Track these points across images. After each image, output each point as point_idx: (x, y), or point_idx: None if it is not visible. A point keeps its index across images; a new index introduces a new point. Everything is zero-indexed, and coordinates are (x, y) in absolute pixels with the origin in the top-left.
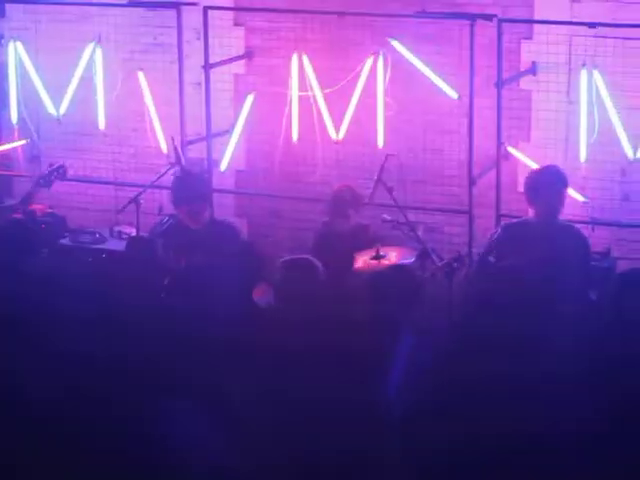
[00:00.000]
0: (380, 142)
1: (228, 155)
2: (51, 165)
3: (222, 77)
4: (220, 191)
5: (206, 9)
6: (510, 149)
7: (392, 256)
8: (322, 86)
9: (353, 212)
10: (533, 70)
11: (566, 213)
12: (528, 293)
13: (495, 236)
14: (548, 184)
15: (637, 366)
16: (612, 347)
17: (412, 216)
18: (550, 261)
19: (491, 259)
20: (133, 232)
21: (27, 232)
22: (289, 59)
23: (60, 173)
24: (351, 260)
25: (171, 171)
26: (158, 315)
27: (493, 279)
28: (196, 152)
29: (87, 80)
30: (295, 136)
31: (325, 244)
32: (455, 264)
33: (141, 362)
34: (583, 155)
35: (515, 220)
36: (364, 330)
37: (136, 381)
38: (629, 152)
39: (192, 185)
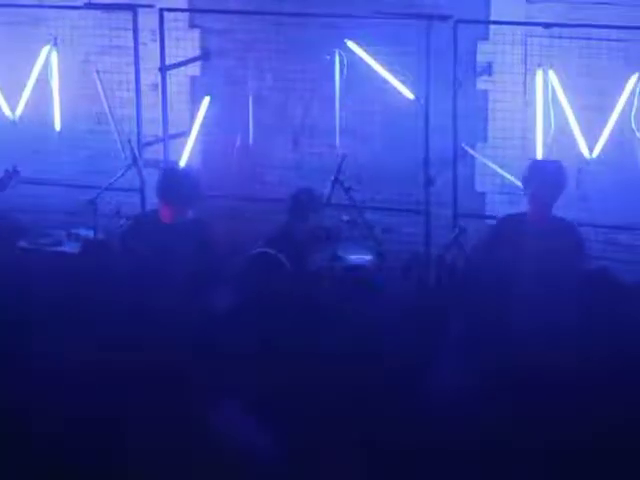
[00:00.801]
0: (337, 142)
1: (185, 156)
2: (6, 170)
3: (178, 79)
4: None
5: (162, 11)
6: (467, 149)
7: (349, 256)
8: (279, 87)
9: (312, 215)
10: (489, 70)
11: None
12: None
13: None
14: (541, 177)
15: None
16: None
17: (370, 216)
18: (540, 256)
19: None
20: (90, 234)
21: None
22: (245, 60)
23: (15, 177)
24: (307, 262)
25: (128, 173)
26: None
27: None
28: (153, 154)
29: (43, 82)
30: (252, 137)
31: (282, 245)
32: (412, 264)
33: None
34: (540, 155)
35: (514, 213)
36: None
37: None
38: (586, 152)
39: (184, 183)
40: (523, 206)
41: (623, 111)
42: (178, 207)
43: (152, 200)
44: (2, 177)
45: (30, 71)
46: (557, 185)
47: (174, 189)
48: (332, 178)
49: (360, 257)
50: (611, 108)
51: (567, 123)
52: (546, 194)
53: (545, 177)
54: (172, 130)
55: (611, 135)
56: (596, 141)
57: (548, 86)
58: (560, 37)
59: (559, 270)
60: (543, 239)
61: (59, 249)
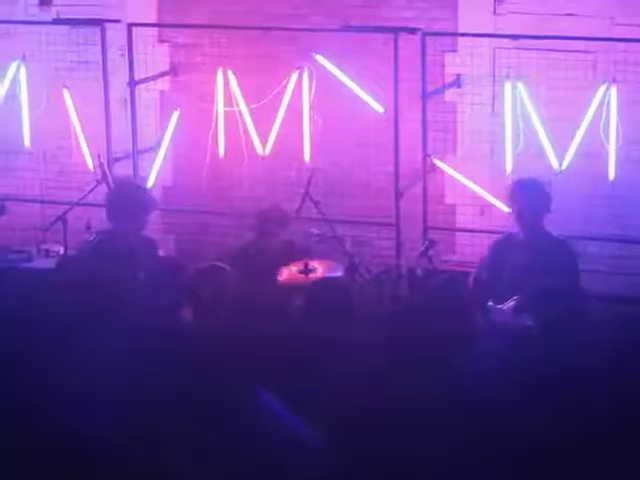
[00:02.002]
0: (307, 156)
1: (155, 171)
2: None
3: (147, 94)
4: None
5: (130, 26)
6: (436, 161)
7: (320, 270)
8: (247, 101)
9: (278, 230)
10: (458, 82)
11: (491, 224)
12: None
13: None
14: (527, 195)
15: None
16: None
17: (340, 229)
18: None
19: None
20: (60, 250)
21: None
22: (214, 75)
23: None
24: (275, 277)
25: (97, 189)
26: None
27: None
28: (123, 169)
29: (12, 97)
30: (221, 152)
31: (249, 260)
32: (383, 276)
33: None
34: (509, 167)
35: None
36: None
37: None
38: (555, 164)
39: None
40: (493, 219)
41: (592, 122)
42: (124, 223)
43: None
44: None
45: None
46: (544, 202)
47: (119, 205)
48: (302, 192)
49: (331, 270)
50: (580, 119)
51: (536, 135)
52: (535, 211)
53: (531, 195)
54: (141, 145)
55: (580, 146)
56: (565, 152)
57: (517, 98)
58: (528, 49)
59: (552, 285)
60: (535, 255)
61: (30, 265)
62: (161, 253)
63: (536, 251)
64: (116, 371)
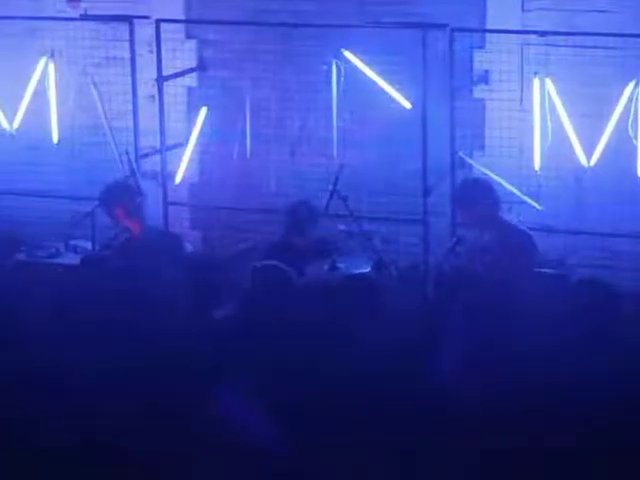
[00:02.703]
0: (334, 152)
1: (182, 168)
2: None
3: (175, 90)
4: (175, 204)
5: (158, 22)
6: (464, 157)
7: (348, 266)
8: (276, 97)
9: (309, 228)
10: (486, 79)
11: (521, 220)
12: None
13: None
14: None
15: None
16: None
17: (368, 226)
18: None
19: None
20: (89, 246)
21: None
22: (242, 71)
23: None
24: (304, 273)
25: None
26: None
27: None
28: (150, 165)
29: (40, 94)
30: (249, 148)
31: (280, 258)
32: (411, 273)
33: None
34: (537, 163)
35: None
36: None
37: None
38: (583, 160)
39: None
40: (521, 215)
41: (620, 118)
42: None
43: (149, 210)
44: None
45: (27, 83)
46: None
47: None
48: (330, 188)
49: (359, 267)
50: (608, 115)
51: (564, 131)
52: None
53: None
54: (169, 141)
55: (608, 143)
56: (594, 149)
57: (545, 94)
58: (556, 45)
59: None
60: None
61: (57, 261)
62: (188, 249)
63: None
64: (141, 370)
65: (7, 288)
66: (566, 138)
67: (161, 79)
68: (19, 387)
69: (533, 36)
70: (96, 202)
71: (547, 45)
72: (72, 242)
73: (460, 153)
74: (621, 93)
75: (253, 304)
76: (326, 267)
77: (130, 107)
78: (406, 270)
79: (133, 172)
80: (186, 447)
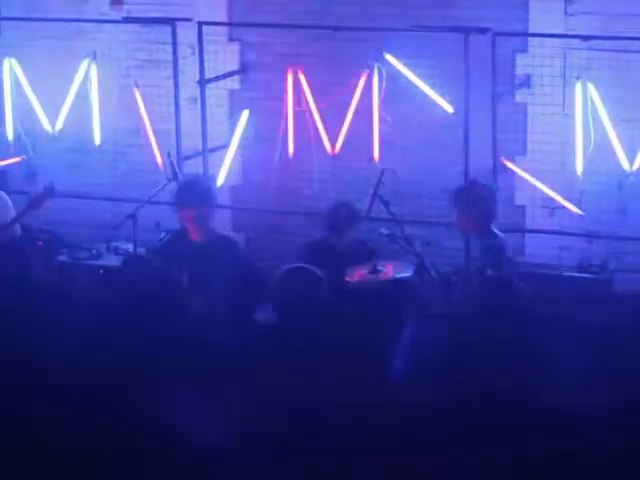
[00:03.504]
0: (376, 156)
1: (224, 170)
2: (45, 187)
3: (217, 92)
4: (217, 206)
5: (201, 25)
6: (506, 162)
7: (389, 270)
8: (317, 100)
9: (349, 229)
10: (528, 83)
11: (562, 226)
12: None
13: None
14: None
15: None
16: None
17: (409, 229)
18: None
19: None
20: (130, 248)
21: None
22: (284, 74)
23: (49, 192)
24: (344, 275)
25: (168, 186)
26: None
27: None
28: (192, 167)
29: (83, 96)
30: (291, 150)
31: (318, 259)
32: (452, 277)
33: (139, 380)
34: (579, 168)
35: None
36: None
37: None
38: (625, 164)
39: (199, 189)
40: (563, 220)
41: None
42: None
43: None
44: (40, 194)
45: (70, 85)
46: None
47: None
48: (371, 192)
49: (400, 271)
50: None
51: (607, 136)
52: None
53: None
54: (211, 144)
55: None
56: (636, 153)
57: (587, 98)
58: (599, 49)
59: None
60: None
61: (99, 262)
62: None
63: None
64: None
65: (49, 289)
66: (608, 143)
67: (203, 82)
68: (62, 387)
69: (576, 40)
70: (138, 204)
71: (590, 49)
72: (113, 244)
73: (502, 157)
74: None
75: (283, 307)
76: (367, 270)
77: (172, 109)
78: (447, 274)
79: (175, 174)
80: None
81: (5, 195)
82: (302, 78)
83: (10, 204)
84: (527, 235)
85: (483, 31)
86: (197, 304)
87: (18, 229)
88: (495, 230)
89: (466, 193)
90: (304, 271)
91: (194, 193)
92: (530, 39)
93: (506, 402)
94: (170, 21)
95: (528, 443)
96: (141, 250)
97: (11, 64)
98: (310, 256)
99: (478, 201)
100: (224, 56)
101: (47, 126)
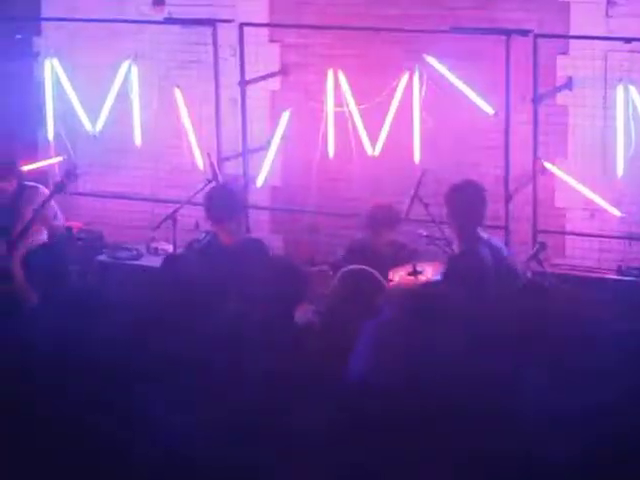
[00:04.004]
0: (416, 157)
1: (264, 171)
2: (67, 171)
3: (258, 93)
4: (256, 207)
5: (242, 26)
6: (547, 164)
7: (429, 272)
8: (357, 102)
9: (387, 231)
10: (569, 85)
11: (602, 228)
12: None
13: None
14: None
15: None
16: None
17: (449, 231)
18: None
19: None
20: (170, 248)
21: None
22: (324, 75)
23: (72, 175)
24: (383, 277)
25: (207, 187)
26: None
27: None
28: (232, 168)
29: (123, 97)
30: (331, 152)
31: (359, 260)
32: None
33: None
34: (620, 170)
35: None
36: None
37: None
38: None
39: (225, 199)
40: (604, 222)
41: None
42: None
43: None
44: (63, 178)
45: (110, 86)
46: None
47: (216, 206)
48: (411, 193)
49: (440, 273)
50: None
51: None
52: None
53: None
54: (251, 145)
55: None
56: None
57: (629, 101)
58: None
59: None
60: None
61: (139, 263)
62: (271, 253)
63: None
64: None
65: (89, 290)
66: None
67: (244, 83)
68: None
69: (617, 42)
70: (178, 205)
71: (632, 52)
72: (153, 244)
73: (542, 160)
74: None
75: (343, 307)
76: (406, 272)
77: (213, 110)
78: None
79: (215, 175)
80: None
81: (46, 190)
82: (342, 79)
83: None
84: (567, 237)
85: (524, 33)
86: (232, 305)
87: (62, 226)
88: (481, 234)
89: (453, 193)
90: (363, 273)
91: (219, 207)
92: (571, 41)
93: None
94: (211, 22)
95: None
96: (180, 251)
97: (53, 64)
98: (350, 257)
99: (464, 202)
100: (265, 57)
101: (88, 126)
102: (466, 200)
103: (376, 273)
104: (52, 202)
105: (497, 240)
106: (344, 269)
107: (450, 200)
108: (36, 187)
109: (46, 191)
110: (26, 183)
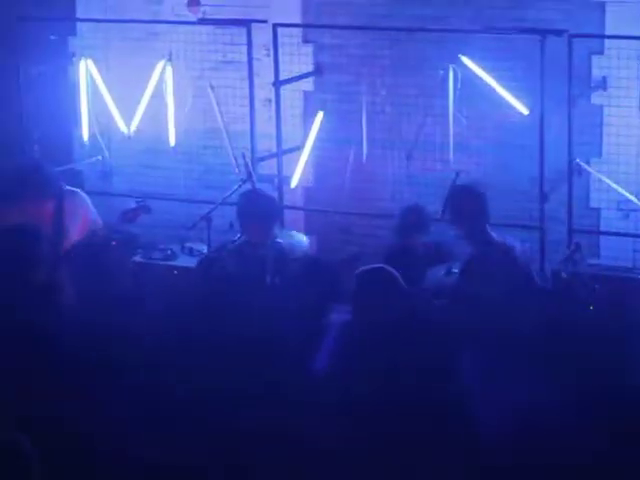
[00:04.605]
0: (451, 158)
1: (298, 172)
2: (138, 202)
3: (292, 94)
4: (290, 207)
5: (275, 26)
6: (581, 164)
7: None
8: (391, 102)
9: (422, 232)
10: (604, 85)
11: (638, 228)
12: None
13: None
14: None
15: None
16: None
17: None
18: None
19: None
20: (204, 249)
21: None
22: (358, 76)
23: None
24: (422, 278)
25: (242, 188)
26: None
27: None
28: (267, 169)
29: (158, 97)
30: (365, 152)
31: (396, 261)
32: None
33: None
34: None
35: None
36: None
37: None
38: None
39: (257, 205)
40: (639, 222)
41: None
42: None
43: None
44: (133, 210)
45: (145, 86)
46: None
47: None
48: (446, 194)
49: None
50: None
51: None
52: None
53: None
54: (285, 145)
55: None
56: None
57: None
58: None
59: None
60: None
61: (173, 263)
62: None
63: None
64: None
65: (125, 290)
66: None
67: (278, 83)
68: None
69: None
70: (213, 205)
71: None
72: (188, 245)
73: (577, 160)
74: None
75: (362, 307)
76: (442, 272)
77: (247, 111)
78: None
79: (249, 175)
80: None
81: (84, 194)
82: (376, 80)
83: (90, 203)
84: (602, 237)
85: (559, 33)
86: (263, 304)
87: (101, 229)
88: (492, 235)
89: (455, 197)
90: (382, 272)
91: (256, 212)
92: (606, 41)
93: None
94: (245, 22)
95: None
96: (215, 251)
97: (87, 65)
98: (387, 259)
99: (468, 204)
100: (298, 58)
101: (122, 127)
102: (469, 202)
103: (394, 272)
104: (92, 207)
105: (510, 239)
106: (362, 269)
107: (454, 205)
108: (73, 196)
109: (85, 196)
110: (64, 193)
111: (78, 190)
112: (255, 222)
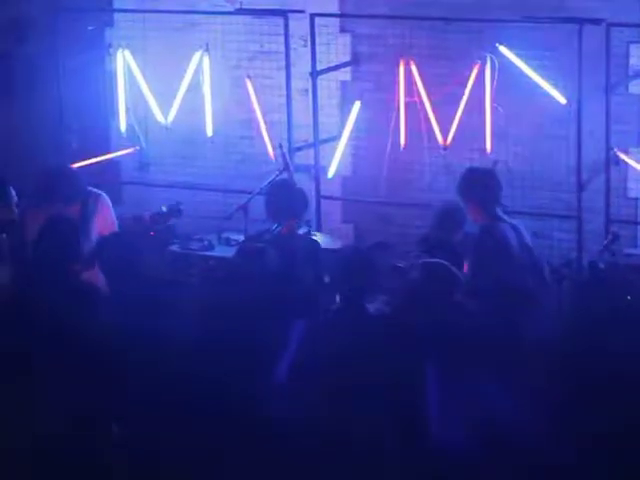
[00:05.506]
0: (488, 148)
1: (335, 161)
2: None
3: (329, 84)
4: (327, 197)
5: (313, 16)
6: (619, 154)
7: None
8: (429, 92)
9: (460, 225)
10: None
11: None
12: None
13: None
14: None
15: None
16: None
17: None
18: None
19: None
20: (241, 239)
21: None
22: (395, 65)
23: (176, 215)
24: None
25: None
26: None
27: None
28: (303, 159)
29: (195, 88)
30: (402, 142)
31: (433, 254)
32: (565, 270)
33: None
34: None
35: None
36: None
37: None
38: None
39: (284, 199)
40: None
41: None
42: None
43: None
44: (163, 214)
45: (182, 77)
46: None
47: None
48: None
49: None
50: None
51: None
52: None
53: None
54: (322, 135)
55: None
56: None
57: None
58: None
59: None
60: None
61: (210, 253)
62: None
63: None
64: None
65: (161, 280)
66: None
67: (315, 73)
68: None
69: None
70: (250, 195)
71: None
72: (224, 235)
73: (615, 149)
74: None
75: (421, 301)
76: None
77: (284, 101)
78: (559, 267)
79: (286, 165)
80: None
81: (106, 196)
82: (414, 69)
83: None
84: (639, 227)
85: (597, 22)
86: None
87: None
88: (501, 215)
89: (469, 173)
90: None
91: (286, 205)
92: None
93: None
94: (282, 13)
95: None
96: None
97: (124, 56)
98: (425, 251)
99: (481, 180)
100: (335, 48)
101: (159, 117)
102: (483, 178)
103: (454, 268)
104: (112, 210)
105: (522, 227)
106: (423, 261)
107: (467, 181)
108: (97, 198)
109: (108, 199)
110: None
111: (102, 192)
112: (283, 215)
